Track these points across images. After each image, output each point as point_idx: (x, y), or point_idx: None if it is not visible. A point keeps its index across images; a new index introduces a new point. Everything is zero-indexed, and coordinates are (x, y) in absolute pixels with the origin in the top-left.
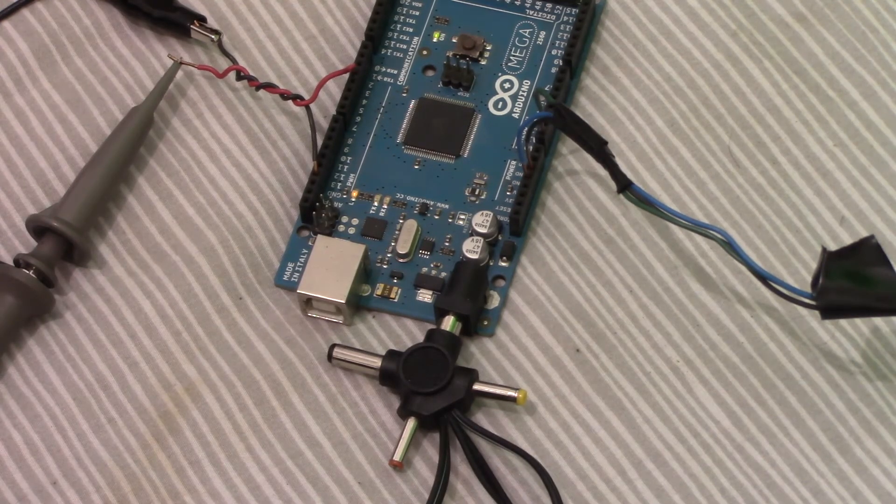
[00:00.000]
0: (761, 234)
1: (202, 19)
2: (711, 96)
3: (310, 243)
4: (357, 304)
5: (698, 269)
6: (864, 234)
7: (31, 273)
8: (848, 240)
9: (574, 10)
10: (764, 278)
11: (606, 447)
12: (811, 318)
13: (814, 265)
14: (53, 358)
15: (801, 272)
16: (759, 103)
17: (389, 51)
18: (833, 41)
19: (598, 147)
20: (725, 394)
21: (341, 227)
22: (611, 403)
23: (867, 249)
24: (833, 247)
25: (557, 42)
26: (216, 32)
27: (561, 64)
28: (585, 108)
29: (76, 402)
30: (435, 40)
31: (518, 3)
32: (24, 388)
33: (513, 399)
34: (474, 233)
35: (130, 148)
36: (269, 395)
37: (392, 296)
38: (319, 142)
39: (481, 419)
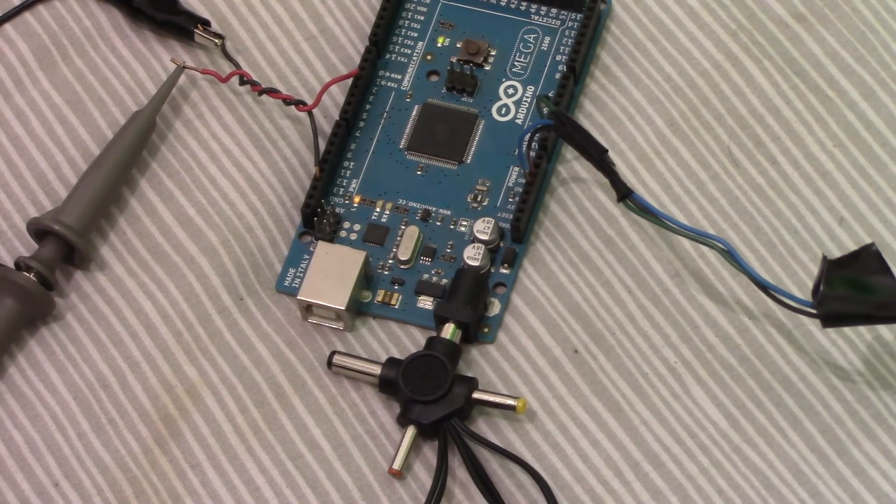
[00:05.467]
0: (760, 235)
1: (206, 23)
2: (711, 96)
3: (311, 249)
4: (358, 311)
5: (697, 270)
6: (862, 234)
7: (31, 276)
8: (846, 240)
9: (579, 15)
10: (764, 287)
11: (604, 449)
12: (809, 321)
13: (812, 266)
14: (54, 358)
15: (799, 273)
16: (759, 103)
17: (393, 55)
18: (833, 41)
19: (598, 155)
20: (723, 395)
21: (343, 233)
22: (608, 405)
23: (867, 257)
24: (831, 247)
25: (562, 48)
26: (219, 37)
27: (564, 70)
28: (586, 107)
29: (77, 401)
30: (439, 45)
31: (523, 8)
32: (25, 387)
33: (512, 408)
34: (476, 239)
35: (133, 152)
36: (269, 396)
37: (393, 302)
38: (322, 147)
39: (479, 421)
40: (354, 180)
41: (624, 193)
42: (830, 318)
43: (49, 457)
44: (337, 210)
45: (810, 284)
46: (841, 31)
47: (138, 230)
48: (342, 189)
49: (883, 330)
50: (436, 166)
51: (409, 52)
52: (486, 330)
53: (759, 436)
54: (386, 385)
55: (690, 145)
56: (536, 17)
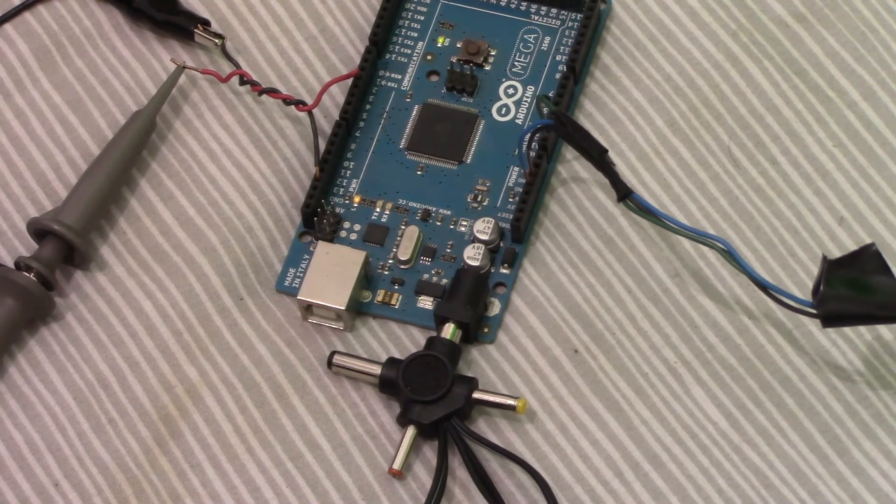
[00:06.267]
0: (760, 235)
1: (206, 23)
2: (711, 96)
3: (311, 249)
4: (358, 311)
5: (697, 270)
6: (862, 234)
7: (31, 276)
8: (846, 240)
9: (579, 15)
10: (765, 287)
11: (604, 449)
12: (809, 321)
13: (812, 266)
14: (54, 358)
15: (799, 274)
16: (759, 103)
17: (393, 55)
18: (833, 41)
19: (598, 155)
20: (723, 395)
21: (343, 233)
22: (608, 405)
23: (868, 257)
24: (831, 247)
25: (562, 48)
26: (219, 37)
27: (564, 70)
28: (586, 107)
29: (77, 401)
30: (439, 45)
31: (523, 8)
32: (25, 387)
33: (512, 408)
34: (476, 239)
35: (133, 152)
36: (269, 396)
37: (393, 302)
38: (322, 147)
39: (479, 420)
40: (354, 180)
41: (624, 193)
42: (830, 318)
43: (49, 457)
44: (337, 210)
45: (810, 284)
46: (841, 31)
47: (138, 230)
48: (342, 189)
49: (883, 330)
50: (436, 166)
51: (409, 52)
52: (486, 330)
53: (758, 436)
54: (386, 385)
55: (690, 145)
56: (536, 17)
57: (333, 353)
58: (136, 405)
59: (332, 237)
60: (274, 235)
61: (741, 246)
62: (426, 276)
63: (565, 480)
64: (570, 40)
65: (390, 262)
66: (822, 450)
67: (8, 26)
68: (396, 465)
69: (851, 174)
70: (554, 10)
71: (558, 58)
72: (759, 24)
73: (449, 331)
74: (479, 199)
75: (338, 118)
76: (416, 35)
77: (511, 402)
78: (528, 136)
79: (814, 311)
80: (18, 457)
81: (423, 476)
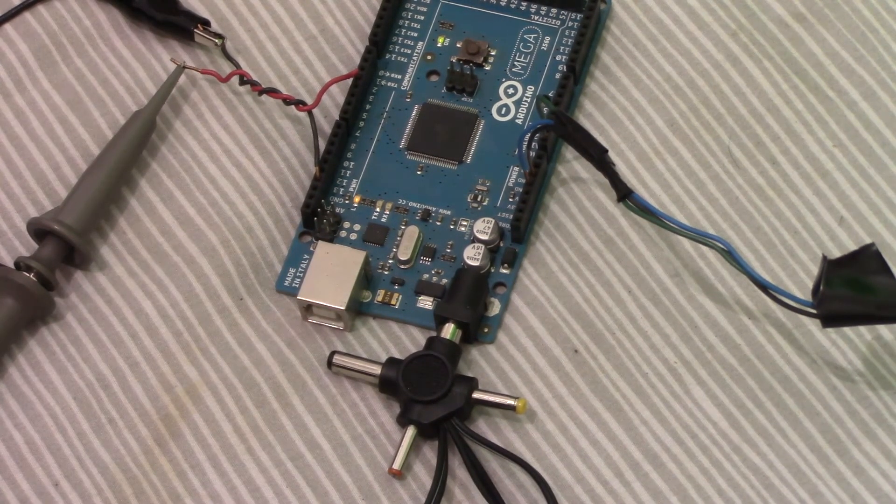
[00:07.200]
0: (760, 235)
1: (206, 23)
2: (711, 96)
3: (311, 249)
4: (358, 311)
5: (697, 270)
6: (862, 234)
7: (31, 276)
8: (846, 240)
9: (579, 15)
10: (765, 287)
11: (604, 449)
12: (809, 321)
13: (812, 266)
14: (54, 358)
15: (798, 273)
16: (759, 103)
17: (393, 55)
18: (833, 41)
19: (598, 155)
20: (723, 395)
21: (343, 233)
22: (608, 405)
23: (867, 257)
24: (831, 247)
25: (562, 48)
26: (219, 37)
27: (564, 70)
28: (586, 107)
29: (77, 401)
30: (439, 45)
31: (523, 8)
32: (25, 387)
33: (512, 408)
34: (476, 239)
35: (133, 152)
36: (269, 396)
37: (393, 302)
38: (322, 147)
39: (479, 421)
40: (354, 180)
41: (624, 193)
42: (830, 318)
43: (49, 457)
44: (337, 210)
45: (810, 284)
46: (841, 31)
47: (138, 230)
48: (342, 189)
49: (883, 330)
50: (436, 166)
51: (409, 52)
52: (486, 330)
53: (758, 436)
54: (386, 385)
55: (690, 145)
56: (536, 17)
57: (333, 353)
58: (136, 405)
59: (332, 237)
60: (274, 235)
61: (741, 246)
62: (426, 276)
63: (565, 480)
64: (570, 40)
65: (390, 262)
66: (822, 450)
67: (8, 26)
68: (396, 465)
69: (851, 174)
70: (554, 10)
71: (558, 58)
72: (759, 24)
73: (449, 331)
74: (479, 199)
75: (338, 118)
76: (416, 35)
77: (511, 402)
78: (528, 136)
79: (814, 311)
80: (18, 457)
81: (423, 476)
